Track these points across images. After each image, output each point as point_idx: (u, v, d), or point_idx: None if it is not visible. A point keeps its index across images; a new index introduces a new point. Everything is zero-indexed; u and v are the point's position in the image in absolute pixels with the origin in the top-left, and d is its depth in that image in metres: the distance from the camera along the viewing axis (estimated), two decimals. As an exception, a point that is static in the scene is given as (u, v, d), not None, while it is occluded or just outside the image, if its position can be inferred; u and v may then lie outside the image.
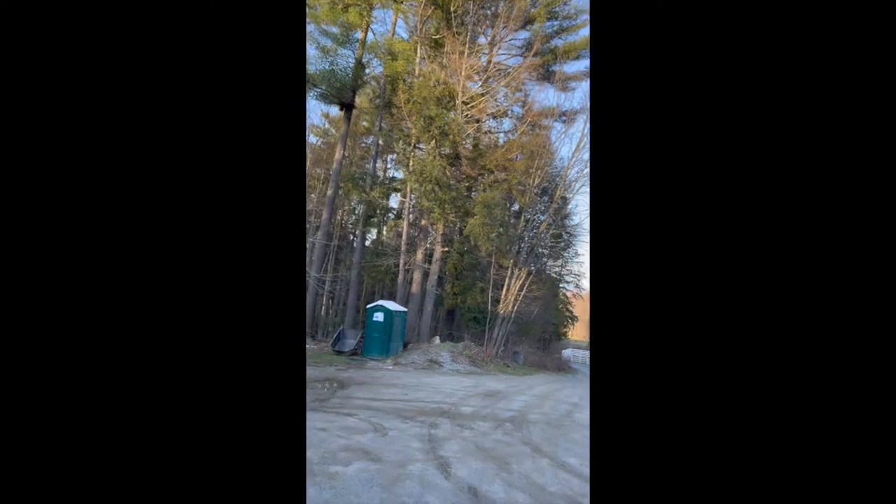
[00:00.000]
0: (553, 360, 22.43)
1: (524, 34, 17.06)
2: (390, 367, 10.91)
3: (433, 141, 12.12)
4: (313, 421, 5.30)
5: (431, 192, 11.71)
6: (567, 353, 35.70)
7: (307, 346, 12.38)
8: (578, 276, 28.57)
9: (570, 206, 20.50)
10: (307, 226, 17.94)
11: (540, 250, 19.06)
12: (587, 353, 38.70)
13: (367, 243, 17.34)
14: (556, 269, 26.57)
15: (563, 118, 18.12)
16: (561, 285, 27.34)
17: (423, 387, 8.65)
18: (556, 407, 7.87)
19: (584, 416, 7.29)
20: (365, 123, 17.84)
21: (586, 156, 16.71)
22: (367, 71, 14.42)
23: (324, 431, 4.94)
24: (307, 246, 14.66)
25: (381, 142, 15.48)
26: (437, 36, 13.81)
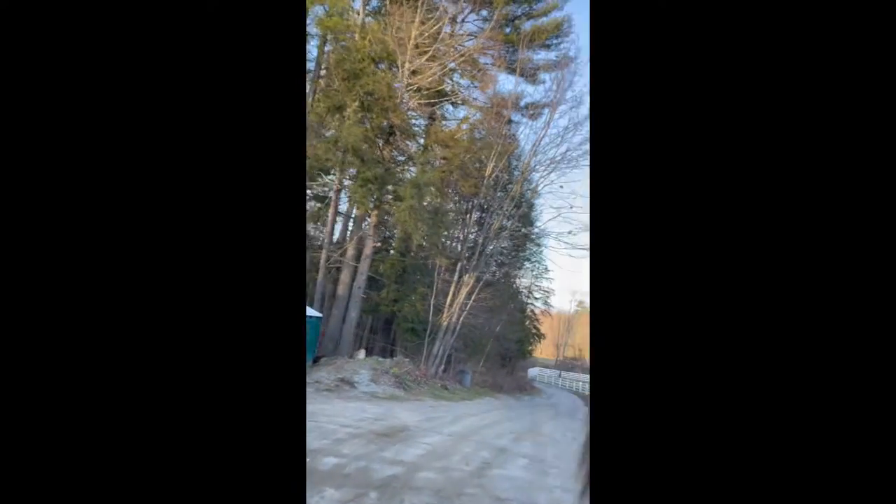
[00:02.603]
0: (514, 380, 20.36)
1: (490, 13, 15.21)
2: (281, 387, 8.46)
3: (357, 102, 9.88)
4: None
5: (351, 166, 9.50)
6: (533, 371, 33.66)
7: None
8: (548, 292, 27.00)
9: (533, 212, 18.66)
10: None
11: (498, 257, 17.01)
12: (554, 373, 36.97)
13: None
14: (525, 284, 24.88)
15: (527, 111, 16.28)
16: (528, 301, 25.66)
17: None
18: (474, 455, 5.58)
19: (505, 472, 5.01)
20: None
21: (550, 153, 14.92)
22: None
23: None
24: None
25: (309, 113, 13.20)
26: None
